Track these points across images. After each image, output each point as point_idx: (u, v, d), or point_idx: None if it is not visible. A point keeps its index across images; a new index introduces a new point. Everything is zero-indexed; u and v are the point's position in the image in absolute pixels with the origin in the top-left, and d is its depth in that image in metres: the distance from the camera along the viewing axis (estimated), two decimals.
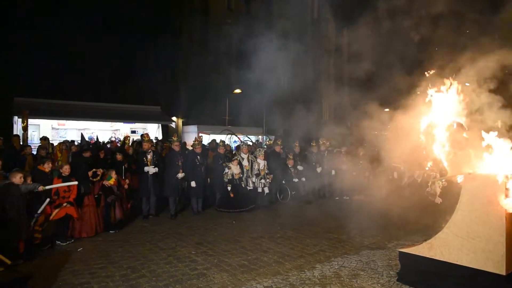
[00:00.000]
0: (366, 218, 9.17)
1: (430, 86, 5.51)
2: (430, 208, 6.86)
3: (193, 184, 9.22)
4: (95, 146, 8.74)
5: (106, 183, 7.46)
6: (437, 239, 4.82)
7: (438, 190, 5.33)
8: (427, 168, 5.40)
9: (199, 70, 35.41)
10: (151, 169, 8.72)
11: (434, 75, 5.59)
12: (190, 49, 37.43)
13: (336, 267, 5.77)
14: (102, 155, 8.63)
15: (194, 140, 10.11)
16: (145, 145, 9.04)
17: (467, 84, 5.87)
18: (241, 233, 7.63)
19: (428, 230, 5.57)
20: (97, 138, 12.73)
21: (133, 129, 21.64)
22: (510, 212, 4.29)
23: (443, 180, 5.16)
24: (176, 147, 9.33)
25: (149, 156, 8.84)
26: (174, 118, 30.16)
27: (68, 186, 6.75)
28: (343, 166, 11.99)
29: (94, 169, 7.47)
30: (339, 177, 12.06)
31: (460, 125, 5.17)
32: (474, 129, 5.13)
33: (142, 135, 9.71)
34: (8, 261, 4.98)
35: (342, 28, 49.17)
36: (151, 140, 9.78)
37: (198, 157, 9.50)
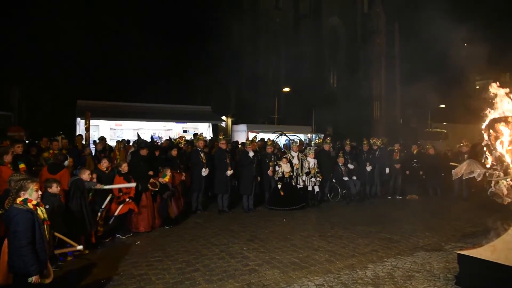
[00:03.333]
0: (420, 218, 8.89)
1: (489, 78, 5.23)
2: (490, 209, 6.50)
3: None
4: (151, 144, 9.16)
5: (161, 180, 7.78)
6: (501, 241, 4.57)
7: (505, 190, 5.00)
8: (488, 166, 5.12)
9: (248, 69, 35.88)
10: (205, 172, 9.10)
11: (497, 67, 5.29)
12: (239, 49, 37.98)
13: (390, 268, 5.63)
14: (157, 154, 9.01)
15: (246, 139, 10.32)
16: (200, 143, 9.39)
17: None
18: (291, 231, 7.65)
19: (488, 233, 5.27)
20: (170, 138, 13.34)
21: (185, 129, 22.32)
22: None
23: (508, 179, 4.85)
24: (223, 145, 9.57)
25: (202, 155, 9.18)
26: (224, 118, 30.76)
27: (129, 182, 7.14)
28: (395, 165, 11.65)
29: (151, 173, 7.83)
30: (392, 176, 11.75)
31: None
32: None
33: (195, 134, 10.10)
34: (76, 245, 5.36)
35: (394, 22, 47.51)
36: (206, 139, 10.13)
37: (249, 155, 9.64)
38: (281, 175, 9.72)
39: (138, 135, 9.06)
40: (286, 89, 32.39)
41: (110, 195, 6.69)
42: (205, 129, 22.40)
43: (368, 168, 11.34)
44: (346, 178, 10.80)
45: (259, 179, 9.86)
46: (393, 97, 46.60)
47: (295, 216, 9.02)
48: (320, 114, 33.09)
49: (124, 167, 7.29)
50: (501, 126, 4.81)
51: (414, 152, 12.11)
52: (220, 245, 6.72)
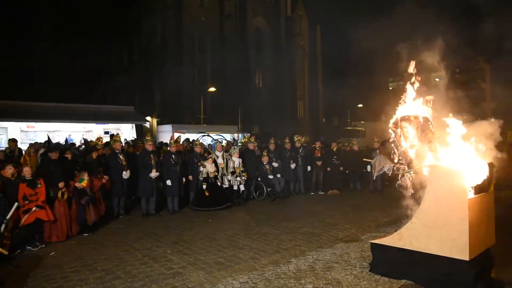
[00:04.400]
0: (340, 212, 9.42)
1: (400, 81, 5.69)
2: (400, 200, 7.09)
3: (168, 182, 9.19)
4: (63, 147, 8.52)
5: (78, 185, 7.30)
6: (406, 229, 4.98)
7: (409, 182, 5.49)
8: (396, 161, 5.56)
9: (173, 69, 35.11)
10: (126, 174, 8.78)
11: (404, 70, 5.76)
12: (164, 47, 37.04)
13: (311, 261, 5.87)
14: (69, 156, 8.41)
15: (170, 139, 10.10)
16: (117, 145, 9.01)
17: (437, 79, 6.08)
18: (217, 231, 7.64)
19: (399, 221, 5.75)
20: (85, 141, 12.49)
21: (106, 130, 21.22)
22: (472, 201, 4.49)
23: (411, 172, 5.33)
24: (149, 146, 9.27)
25: (121, 157, 8.82)
26: (148, 118, 29.80)
27: (34, 189, 6.58)
28: (317, 162, 12.18)
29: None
30: (314, 172, 12.28)
31: (426, 119, 5.34)
32: (440, 123, 5.34)
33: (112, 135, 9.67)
34: None
35: (316, 25, 49.69)
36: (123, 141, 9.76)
37: (173, 156, 9.47)
38: (206, 176, 9.66)
39: (48, 137, 8.40)
40: (212, 89, 32.30)
41: (16, 203, 6.11)
42: (128, 130, 21.54)
43: (292, 166, 11.72)
44: (271, 176, 11.06)
45: (184, 180, 9.70)
46: (316, 97, 48.77)
47: (220, 216, 9.03)
48: (246, 113, 33.52)
49: (26, 172, 6.65)
50: (405, 124, 5.25)
51: (334, 149, 12.76)
52: (143, 250, 6.49)
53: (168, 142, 10.01)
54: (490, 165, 4.84)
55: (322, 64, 49.77)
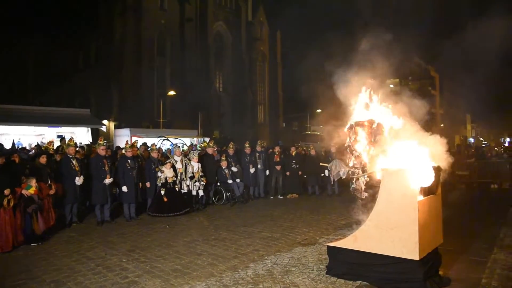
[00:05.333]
0: (299, 215, 9.54)
1: (356, 86, 5.86)
2: (357, 203, 7.28)
3: (124, 189, 8.92)
4: (8, 151, 8.02)
5: (25, 192, 6.90)
6: (361, 231, 5.11)
7: (363, 186, 5.65)
8: (350, 165, 5.70)
9: (131, 71, 34.29)
10: (79, 180, 8.43)
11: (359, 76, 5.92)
12: (122, 49, 36.11)
13: (269, 265, 5.87)
14: (17, 160, 7.94)
15: (125, 143, 9.81)
16: (71, 150, 8.63)
17: (391, 86, 6.32)
18: (175, 238, 7.50)
19: (355, 224, 5.88)
20: (38, 144, 11.88)
21: (59, 134, 20.30)
22: (421, 203, 4.69)
23: (365, 176, 5.49)
24: (102, 151, 8.94)
25: (74, 162, 8.46)
26: (105, 122, 28.90)
27: None
28: (276, 166, 12.29)
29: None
30: (273, 176, 12.38)
31: (379, 124, 5.53)
32: (392, 127, 5.55)
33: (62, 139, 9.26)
34: None
35: (276, 31, 50.27)
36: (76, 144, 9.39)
37: (129, 161, 9.20)
38: (164, 181, 9.47)
39: None
40: (172, 93, 31.84)
41: None
42: (84, 134, 20.76)
43: (252, 170, 11.76)
44: (230, 181, 11.03)
45: (141, 185, 9.46)
46: (276, 101, 49.33)
47: (179, 222, 8.87)
48: (206, 117, 33.31)
49: None
50: (359, 129, 5.41)
51: (293, 154, 12.93)
52: (96, 259, 6.24)
53: (124, 146, 9.70)
54: (438, 168, 5.08)
55: (282, 69, 50.52)
